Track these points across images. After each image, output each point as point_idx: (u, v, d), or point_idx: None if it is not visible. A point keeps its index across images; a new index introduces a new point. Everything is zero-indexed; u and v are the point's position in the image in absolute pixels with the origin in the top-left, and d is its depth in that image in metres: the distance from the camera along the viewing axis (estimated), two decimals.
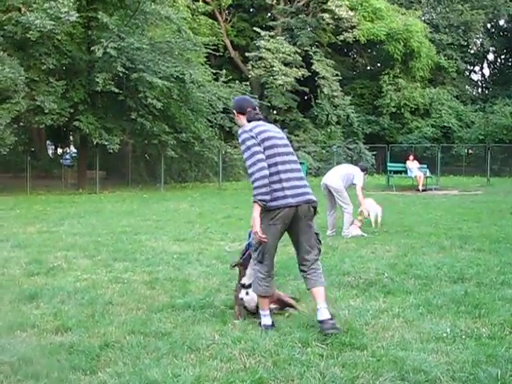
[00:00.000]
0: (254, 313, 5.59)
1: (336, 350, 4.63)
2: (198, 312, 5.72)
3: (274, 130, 5.37)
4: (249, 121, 5.37)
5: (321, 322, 5.05)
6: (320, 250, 5.42)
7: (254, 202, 5.05)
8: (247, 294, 5.60)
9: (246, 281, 5.63)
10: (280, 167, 5.16)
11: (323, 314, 5.09)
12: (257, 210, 5.06)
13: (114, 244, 10.21)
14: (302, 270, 5.35)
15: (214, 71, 30.85)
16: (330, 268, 7.84)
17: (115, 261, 8.62)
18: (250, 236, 5.64)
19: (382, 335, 5.00)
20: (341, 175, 11.66)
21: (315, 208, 5.31)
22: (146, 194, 24.00)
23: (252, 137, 5.14)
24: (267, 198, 5.02)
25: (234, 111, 5.58)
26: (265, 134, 5.20)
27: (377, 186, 27.89)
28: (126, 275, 7.60)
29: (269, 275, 5.28)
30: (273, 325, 5.28)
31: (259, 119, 5.40)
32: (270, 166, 5.09)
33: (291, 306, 5.82)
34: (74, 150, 40.37)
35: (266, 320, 5.30)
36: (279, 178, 5.11)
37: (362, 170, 11.99)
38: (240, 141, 5.23)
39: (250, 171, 5.11)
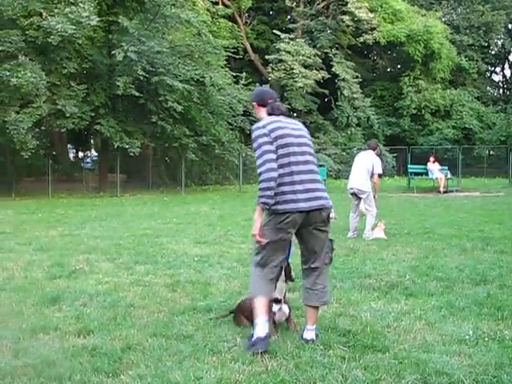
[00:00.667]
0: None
1: (358, 352, 4.61)
2: (219, 314, 5.72)
3: (291, 127, 4.93)
4: (269, 114, 5.01)
5: (304, 340, 4.89)
6: (331, 260, 5.06)
7: (257, 203, 4.75)
8: (280, 309, 5.25)
9: (277, 295, 5.20)
10: (294, 168, 4.77)
11: (310, 334, 4.92)
12: (259, 212, 4.74)
13: (135, 247, 10.25)
14: (305, 287, 5.03)
15: (234, 74, 30.80)
16: (351, 270, 7.85)
17: (136, 264, 8.65)
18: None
19: (404, 337, 4.97)
20: (364, 171, 11.62)
21: (328, 214, 4.92)
22: (167, 196, 24.08)
23: (265, 134, 4.77)
24: (270, 201, 4.67)
25: (254, 103, 5.24)
26: (279, 132, 4.80)
27: (398, 187, 27.81)
28: (147, 278, 7.62)
29: (276, 279, 4.97)
30: (268, 336, 4.75)
31: (280, 113, 5.04)
32: (283, 166, 4.73)
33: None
34: (95, 154, 40.55)
35: (260, 330, 4.75)
36: (292, 179, 4.74)
37: (374, 149, 11.99)
38: (253, 137, 4.88)
39: (258, 171, 4.76)
